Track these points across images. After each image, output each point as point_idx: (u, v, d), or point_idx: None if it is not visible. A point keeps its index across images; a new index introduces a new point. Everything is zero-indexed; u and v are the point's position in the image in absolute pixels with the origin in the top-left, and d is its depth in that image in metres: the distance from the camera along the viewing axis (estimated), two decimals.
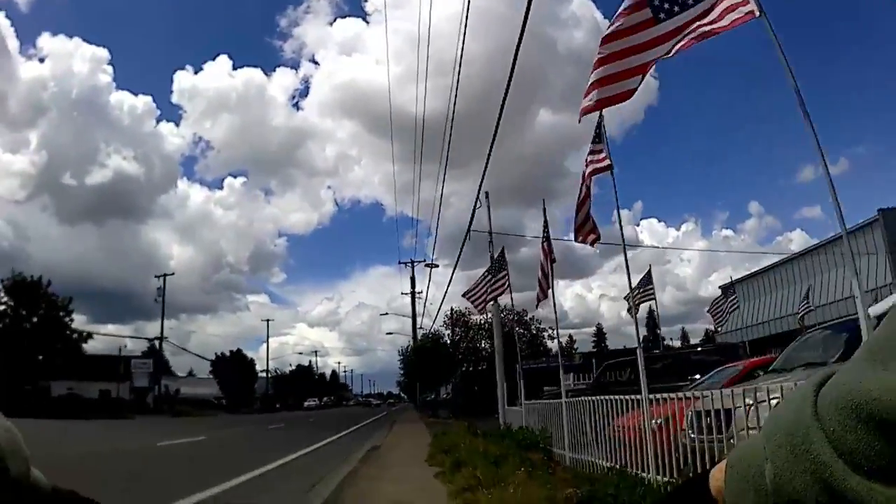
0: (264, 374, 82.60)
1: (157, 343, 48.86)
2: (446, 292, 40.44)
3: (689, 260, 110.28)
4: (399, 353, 38.93)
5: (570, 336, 49.99)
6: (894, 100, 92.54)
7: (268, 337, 76.02)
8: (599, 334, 79.87)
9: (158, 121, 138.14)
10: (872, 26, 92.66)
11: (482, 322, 36.84)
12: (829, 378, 0.50)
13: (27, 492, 0.66)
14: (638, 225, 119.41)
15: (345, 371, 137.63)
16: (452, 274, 23.89)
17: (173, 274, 51.92)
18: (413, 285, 41.96)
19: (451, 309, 37.63)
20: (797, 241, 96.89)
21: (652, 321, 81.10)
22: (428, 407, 49.73)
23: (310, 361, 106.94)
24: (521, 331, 36.17)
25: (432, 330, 39.76)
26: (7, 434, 0.65)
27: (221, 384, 61.25)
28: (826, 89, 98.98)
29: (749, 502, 0.52)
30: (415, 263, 41.98)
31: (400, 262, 43.52)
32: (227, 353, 62.37)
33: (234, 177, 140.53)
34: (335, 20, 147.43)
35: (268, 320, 77.33)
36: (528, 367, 47.94)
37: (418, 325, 40.85)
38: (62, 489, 0.74)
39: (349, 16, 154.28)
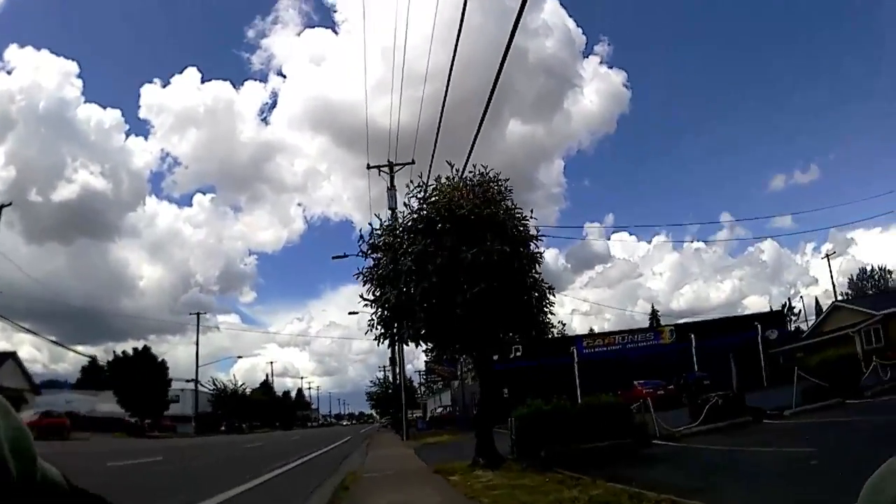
0: (214, 394, 66.94)
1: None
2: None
3: (661, 274, 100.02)
4: (361, 277, 12.79)
5: None
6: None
7: (197, 334, 58.91)
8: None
9: (127, 135, 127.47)
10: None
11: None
12: None
13: (34, 491, 0.67)
14: (609, 239, 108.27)
15: (309, 388, 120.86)
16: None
17: (10, 204, 34.07)
18: (392, 183, 25.17)
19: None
20: (768, 250, 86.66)
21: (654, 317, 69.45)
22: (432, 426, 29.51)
23: (266, 376, 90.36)
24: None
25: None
26: (16, 433, 0.64)
27: (120, 396, 43.84)
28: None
29: None
30: (394, 167, 25.46)
31: (369, 167, 26.34)
32: (129, 354, 44.64)
33: (203, 193, 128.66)
34: (303, 31, 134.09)
35: (198, 313, 60.52)
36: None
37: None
38: (78, 487, 0.76)
39: (318, 26, 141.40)
